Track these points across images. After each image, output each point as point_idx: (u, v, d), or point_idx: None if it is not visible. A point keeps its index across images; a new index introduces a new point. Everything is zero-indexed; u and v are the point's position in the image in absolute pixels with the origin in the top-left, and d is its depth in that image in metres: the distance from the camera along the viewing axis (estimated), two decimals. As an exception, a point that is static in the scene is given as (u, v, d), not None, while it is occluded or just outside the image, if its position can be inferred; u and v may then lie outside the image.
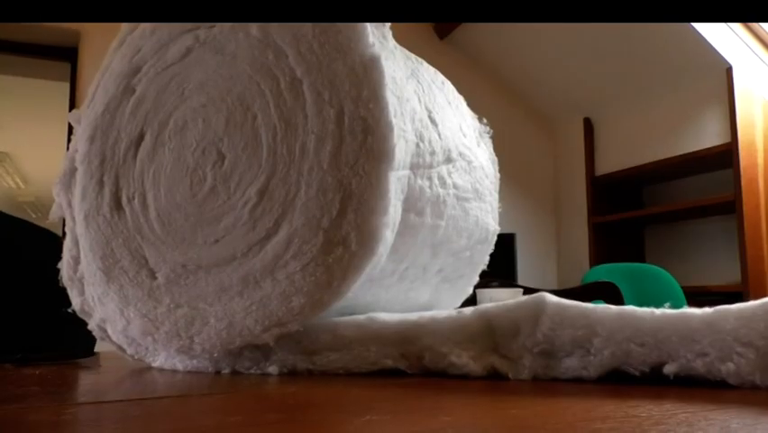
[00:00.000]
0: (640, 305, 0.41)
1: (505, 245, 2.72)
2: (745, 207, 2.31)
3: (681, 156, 2.55)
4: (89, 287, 0.58)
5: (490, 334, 0.44)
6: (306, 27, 0.50)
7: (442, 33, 3.11)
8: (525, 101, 3.29)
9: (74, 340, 0.66)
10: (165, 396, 0.38)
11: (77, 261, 0.60)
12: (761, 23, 2.42)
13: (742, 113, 2.36)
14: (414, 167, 0.52)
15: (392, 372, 0.46)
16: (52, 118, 3.80)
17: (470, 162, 0.61)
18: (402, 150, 0.48)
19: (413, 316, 0.48)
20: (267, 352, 0.49)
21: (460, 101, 0.66)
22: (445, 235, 0.57)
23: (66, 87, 2.64)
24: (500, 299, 0.68)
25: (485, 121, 0.69)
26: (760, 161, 2.37)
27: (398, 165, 0.47)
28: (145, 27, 0.59)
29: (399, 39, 0.55)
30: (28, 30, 2.52)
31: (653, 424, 0.26)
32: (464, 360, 0.43)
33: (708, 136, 2.50)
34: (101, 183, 0.58)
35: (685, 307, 0.39)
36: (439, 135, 0.56)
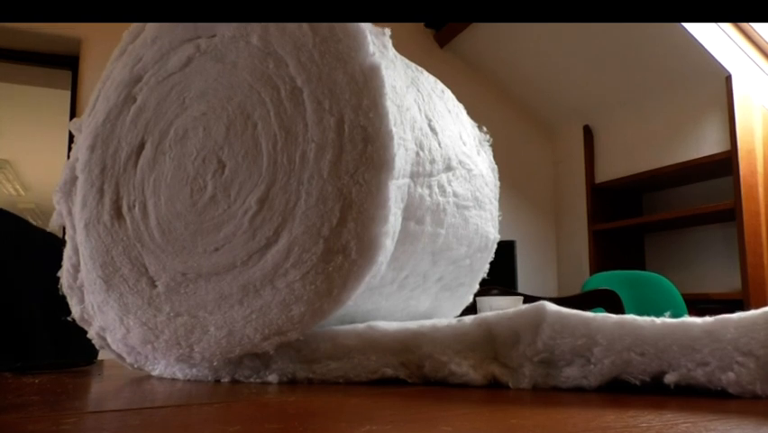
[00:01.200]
0: (640, 313, 0.41)
1: (505, 253, 2.72)
2: (744, 215, 2.31)
3: (680, 163, 2.56)
4: (89, 295, 0.58)
5: (490, 342, 0.44)
6: (307, 36, 0.50)
7: (442, 42, 3.12)
8: (525, 109, 3.30)
9: (77, 348, 0.66)
10: (164, 405, 0.38)
11: (77, 269, 0.60)
12: (760, 32, 2.43)
13: (741, 121, 2.37)
14: (414, 175, 0.52)
15: (392, 381, 0.46)
16: (53, 126, 3.81)
17: (470, 170, 0.61)
18: (402, 158, 0.48)
19: (413, 324, 0.48)
20: (267, 361, 0.49)
21: (460, 109, 0.66)
22: (445, 244, 0.57)
23: (67, 95, 2.65)
24: (500, 307, 0.68)
25: (485, 129, 0.69)
26: (759, 168, 2.38)
27: (398, 174, 0.48)
28: (146, 36, 0.59)
29: (399, 47, 0.55)
30: (29, 38, 2.53)
31: (654, 434, 0.26)
32: (464, 369, 0.43)
33: (708, 144, 2.50)
34: (101, 192, 0.58)
35: (686, 315, 0.39)
36: (439, 144, 0.56)
